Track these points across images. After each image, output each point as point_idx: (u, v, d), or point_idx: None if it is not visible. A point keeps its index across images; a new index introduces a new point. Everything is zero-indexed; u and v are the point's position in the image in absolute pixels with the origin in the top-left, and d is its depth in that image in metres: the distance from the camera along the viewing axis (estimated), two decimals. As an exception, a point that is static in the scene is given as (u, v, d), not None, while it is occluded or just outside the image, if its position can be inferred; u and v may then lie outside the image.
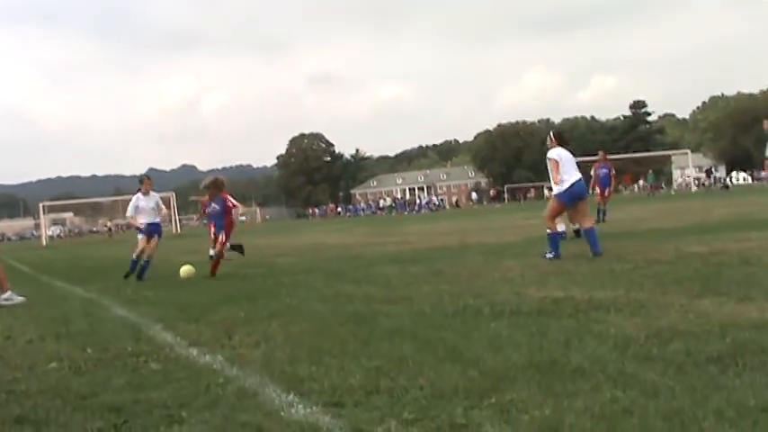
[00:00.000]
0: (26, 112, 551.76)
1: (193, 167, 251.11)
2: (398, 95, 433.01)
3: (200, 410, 3.33)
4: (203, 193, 11.03)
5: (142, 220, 11.02)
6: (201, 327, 5.73)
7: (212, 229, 10.70)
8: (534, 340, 4.18)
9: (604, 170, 18.40)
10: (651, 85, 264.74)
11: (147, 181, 11.30)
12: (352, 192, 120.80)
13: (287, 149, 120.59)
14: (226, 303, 7.04)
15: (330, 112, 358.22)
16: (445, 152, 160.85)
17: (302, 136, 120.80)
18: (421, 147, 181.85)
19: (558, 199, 9.22)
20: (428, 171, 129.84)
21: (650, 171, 58.39)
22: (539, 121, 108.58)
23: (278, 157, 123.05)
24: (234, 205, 10.85)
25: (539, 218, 9.60)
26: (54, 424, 3.32)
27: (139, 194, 11.15)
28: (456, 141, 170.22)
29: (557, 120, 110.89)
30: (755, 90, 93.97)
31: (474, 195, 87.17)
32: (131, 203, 11.28)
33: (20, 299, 8.74)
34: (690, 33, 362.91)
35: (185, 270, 10.31)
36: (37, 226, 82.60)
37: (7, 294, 8.75)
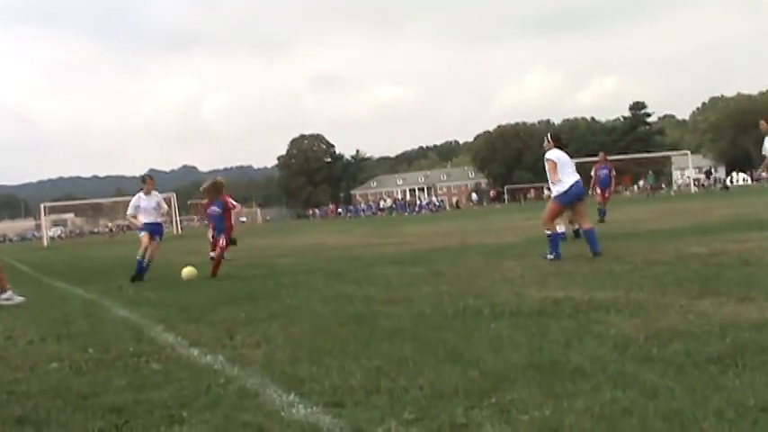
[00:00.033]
0: (27, 113, 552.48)
1: (194, 168, 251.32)
2: (398, 96, 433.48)
3: (201, 410, 3.34)
4: (203, 197, 11.04)
5: (143, 220, 11.01)
6: (202, 327, 5.74)
7: (212, 232, 10.71)
8: (534, 341, 4.19)
9: (605, 171, 18.45)
10: (651, 87, 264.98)
11: (150, 181, 11.28)
12: (352, 192, 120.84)
13: (287, 150, 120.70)
14: (227, 304, 7.05)
15: (330, 112, 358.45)
16: (445, 153, 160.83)
17: (303, 137, 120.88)
18: (421, 147, 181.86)
19: (557, 201, 9.24)
20: (428, 172, 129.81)
21: (650, 172, 58.41)
22: (539, 122, 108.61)
23: (278, 158, 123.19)
24: (234, 206, 10.86)
25: (539, 219, 9.59)
26: (55, 424, 3.33)
27: (141, 194, 11.13)
28: (456, 142, 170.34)
29: (557, 121, 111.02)
30: (755, 91, 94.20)
31: (474, 196, 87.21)
32: (132, 202, 11.26)
33: (20, 299, 8.76)
34: (689, 34, 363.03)
35: (187, 271, 10.31)
36: (38, 227, 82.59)
37: (7, 294, 8.77)
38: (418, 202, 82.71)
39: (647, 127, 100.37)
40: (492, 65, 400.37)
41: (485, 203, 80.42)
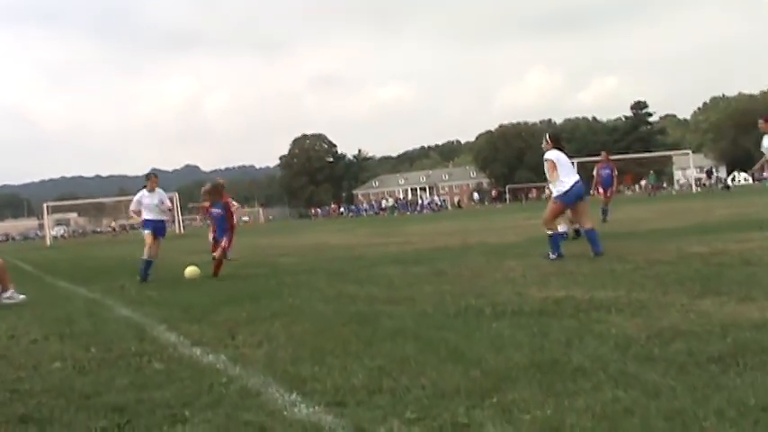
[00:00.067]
0: (29, 113, 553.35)
1: (196, 168, 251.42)
2: (399, 96, 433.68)
3: (203, 410, 3.35)
4: (204, 200, 11.06)
5: (145, 216, 11.00)
6: (204, 327, 5.75)
7: (213, 234, 10.71)
8: (536, 340, 4.20)
9: (607, 171, 18.48)
10: (652, 86, 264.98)
11: (154, 178, 11.22)
12: (354, 192, 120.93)
13: (289, 150, 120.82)
14: (229, 303, 7.06)
15: (332, 112, 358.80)
16: (447, 153, 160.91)
17: (305, 136, 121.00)
18: (423, 147, 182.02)
19: (558, 201, 9.24)
20: (430, 171, 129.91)
21: (651, 172, 58.41)
22: (540, 122, 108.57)
23: (281, 158, 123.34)
24: (234, 208, 10.85)
25: (540, 218, 9.60)
26: (58, 423, 3.34)
27: (144, 191, 11.10)
28: (458, 142, 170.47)
29: (558, 120, 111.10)
30: (756, 91, 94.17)
31: (476, 196, 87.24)
32: (135, 198, 11.23)
33: (21, 297, 8.79)
34: (690, 34, 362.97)
35: (190, 271, 10.31)
36: (41, 226, 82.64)
37: (9, 293, 8.80)
38: (420, 201, 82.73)
39: (649, 127, 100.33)
40: (493, 65, 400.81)
41: (486, 203, 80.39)
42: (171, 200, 12.66)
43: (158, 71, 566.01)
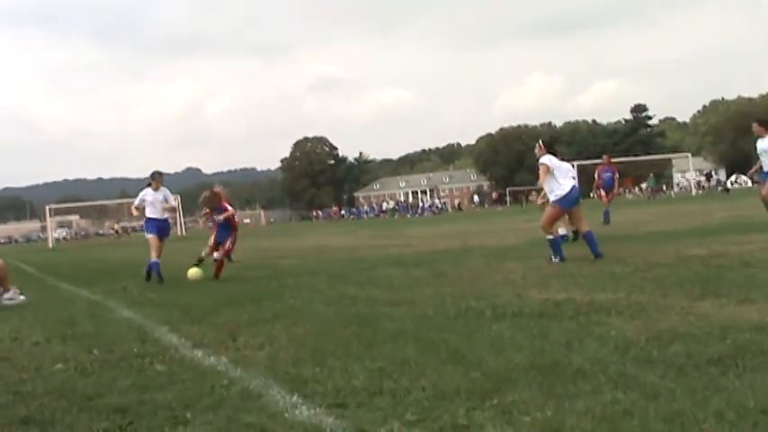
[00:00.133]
0: (32, 116, 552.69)
1: (198, 170, 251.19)
2: (400, 99, 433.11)
3: (205, 412, 3.36)
4: (204, 207, 11.10)
5: (149, 214, 10.95)
6: (206, 328, 5.76)
7: (214, 237, 10.73)
8: (536, 342, 4.21)
9: (608, 173, 18.59)
10: (652, 89, 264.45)
11: (159, 177, 11.11)
12: (355, 195, 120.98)
13: (291, 153, 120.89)
14: (230, 305, 7.07)
15: (333, 115, 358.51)
16: (447, 155, 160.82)
17: (306, 139, 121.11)
18: (424, 150, 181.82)
19: (556, 205, 9.24)
20: (431, 174, 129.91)
21: (651, 174, 58.45)
22: (540, 125, 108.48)
23: (282, 161, 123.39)
24: (229, 213, 10.84)
25: (540, 221, 9.61)
26: (60, 425, 3.35)
27: (149, 189, 11.01)
28: (458, 145, 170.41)
29: (558, 123, 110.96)
30: (755, 94, 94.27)
31: (476, 198, 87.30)
32: (139, 195, 11.11)
33: (21, 298, 8.82)
34: (690, 37, 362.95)
35: (193, 272, 10.31)
36: (43, 228, 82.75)
37: (9, 294, 8.83)
38: (421, 204, 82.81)
39: (648, 129, 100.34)
40: (493, 67, 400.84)
41: (486, 205, 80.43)
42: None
43: (160, 74, 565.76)
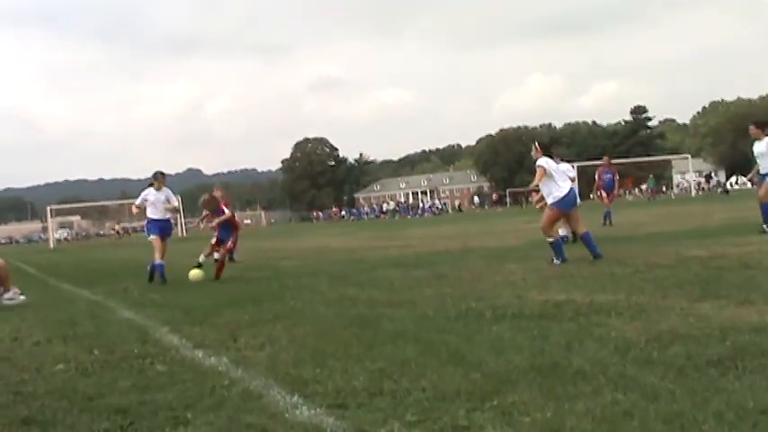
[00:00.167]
0: (33, 116, 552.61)
1: (199, 171, 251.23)
2: (400, 99, 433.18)
3: (206, 412, 3.37)
4: (204, 210, 11.16)
5: (150, 215, 10.97)
6: (207, 329, 5.77)
7: (215, 238, 10.77)
8: (536, 343, 4.22)
9: (609, 175, 18.68)
10: (652, 91, 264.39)
11: (162, 177, 11.06)
12: (355, 196, 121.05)
13: (291, 154, 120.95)
14: (231, 306, 7.08)
15: (333, 115, 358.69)
16: (448, 156, 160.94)
17: (307, 140, 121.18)
18: (424, 151, 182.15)
19: (555, 207, 9.25)
20: (431, 175, 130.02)
21: (651, 176, 58.51)
22: (540, 126, 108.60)
23: (283, 162, 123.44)
24: (225, 216, 10.87)
25: (540, 222, 9.62)
26: (61, 425, 3.35)
27: (151, 189, 10.97)
28: (458, 146, 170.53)
29: (558, 124, 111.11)
30: (755, 96, 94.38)
31: (476, 199, 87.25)
32: (142, 195, 11.07)
33: (21, 298, 8.84)
34: (690, 38, 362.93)
35: (194, 273, 10.32)
36: (44, 229, 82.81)
37: (10, 294, 8.85)
38: (421, 205, 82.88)
39: (648, 131, 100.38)
40: (493, 68, 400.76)
41: (487, 207, 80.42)
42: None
43: (160, 74, 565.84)
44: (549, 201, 9.28)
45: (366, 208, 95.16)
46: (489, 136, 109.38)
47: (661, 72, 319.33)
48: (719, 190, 56.21)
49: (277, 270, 11.78)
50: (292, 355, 4.45)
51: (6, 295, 8.82)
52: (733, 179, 75.24)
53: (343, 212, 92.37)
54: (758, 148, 11.28)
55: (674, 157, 79.24)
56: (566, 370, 3.55)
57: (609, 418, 2.81)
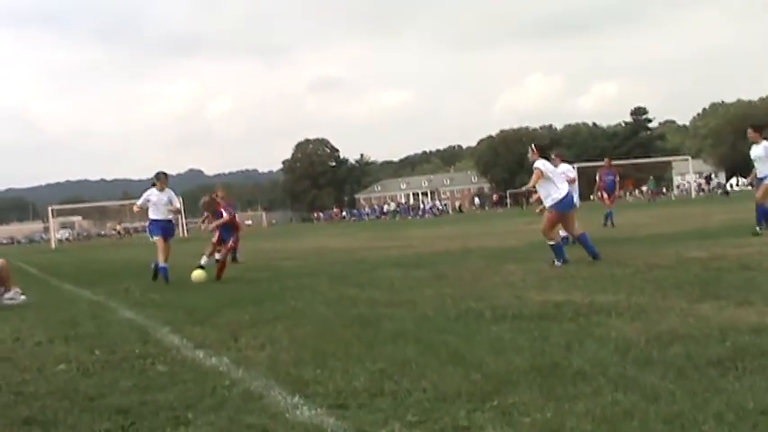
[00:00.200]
0: (34, 116, 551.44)
1: (200, 172, 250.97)
2: (401, 100, 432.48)
3: (206, 412, 3.37)
4: (204, 212, 11.20)
5: (152, 216, 10.95)
6: (207, 329, 5.78)
7: (216, 238, 10.80)
8: (536, 344, 4.22)
9: (610, 176, 18.78)
10: (652, 92, 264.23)
11: (164, 178, 11.03)
12: (356, 196, 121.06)
13: (292, 154, 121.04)
14: (232, 306, 7.09)
15: (334, 116, 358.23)
16: (448, 157, 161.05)
17: (307, 141, 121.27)
18: (424, 152, 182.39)
19: (554, 210, 9.25)
20: (432, 176, 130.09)
21: (651, 177, 58.55)
22: (541, 128, 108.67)
23: (284, 162, 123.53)
24: (226, 218, 10.88)
25: (540, 223, 9.63)
26: (62, 425, 3.36)
27: (153, 189, 10.94)
28: (459, 147, 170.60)
29: (559, 126, 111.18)
30: (755, 97, 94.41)
31: (477, 200, 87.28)
32: (144, 195, 11.03)
33: (22, 298, 8.85)
34: (690, 40, 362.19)
35: (197, 275, 10.32)
36: (46, 229, 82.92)
37: (11, 294, 8.86)
38: (421, 205, 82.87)
39: (648, 132, 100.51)
40: (493, 69, 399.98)
41: (487, 207, 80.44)
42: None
43: (161, 74, 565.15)
44: (549, 203, 9.28)
45: (367, 209, 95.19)
46: (490, 137, 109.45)
47: (661, 72, 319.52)
48: (719, 191, 56.30)
49: (278, 270, 11.79)
50: (293, 356, 4.46)
51: (7, 295, 8.85)
52: (733, 180, 75.36)
53: (344, 213, 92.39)
54: (755, 151, 11.29)
55: (675, 158, 79.26)
56: (566, 370, 3.56)
57: (609, 419, 2.82)
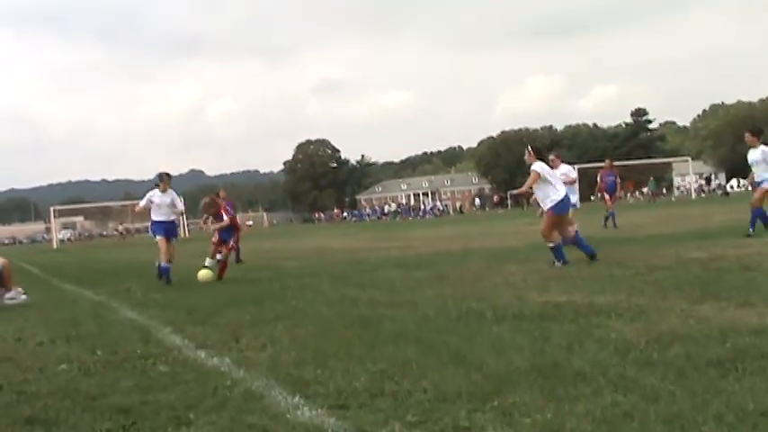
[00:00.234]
0: (36, 117, 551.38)
1: (201, 172, 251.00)
2: (402, 101, 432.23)
3: (208, 412, 3.38)
4: (205, 213, 11.22)
5: (154, 218, 10.93)
6: (209, 329, 5.79)
7: (217, 238, 10.83)
8: (536, 344, 4.23)
9: (611, 177, 18.85)
10: (652, 93, 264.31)
11: (167, 179, 11.01)
12: (357, 197, 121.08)
13: (293, 155, 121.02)
14: (233, 306, 7.10)
15: (335, 117, 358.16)
16: (449, 158, 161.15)
17: (308, 142, 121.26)
18: (425, 153, 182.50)
19: (553, 211, 9.25)
20: (432, 177, 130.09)
21: (651, 178, 58.55)
22: (541, 128, 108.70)
23: (285, 163, 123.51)
24: (227, 221, 10.91)
25: (541, 224, 9.63)
26: (64, 425, 3.37)
27: (156, 190, 10.91)
28: (460, 148, 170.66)
29: (559, 127, 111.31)
30: (755, 98, 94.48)
31: (477, 201, 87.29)
32: (147, 196, 10.99)
33: (23, 297, 8.86)
34: (690, 41, 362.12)
35: (203, 274, 10.32)
36: (48, 229, 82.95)
37: (12, 293, 8.87)
38: (422, 206, 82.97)
39: (649, 133, 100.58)
40: (494, 70, 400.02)
41: (488, 208, 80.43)
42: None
43: (161, 75, 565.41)
44: (547, 204, 9.27)
45: (368, 209, 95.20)
46: (490, 138, 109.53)
47: (661, 73, 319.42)
48: (720, 192, 56.31)
49: (279, 270, 11.80)
50: (294, 356, 4.47)
51: (8, 295, 8.86)
52: (733, 181, 75.35)
53: (345, 214, 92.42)
54: (753, 155, 11.28)
55: (675, 159, 79.24)
56: (566, 371, 3.56)
57: (609, 420, 2.83)
